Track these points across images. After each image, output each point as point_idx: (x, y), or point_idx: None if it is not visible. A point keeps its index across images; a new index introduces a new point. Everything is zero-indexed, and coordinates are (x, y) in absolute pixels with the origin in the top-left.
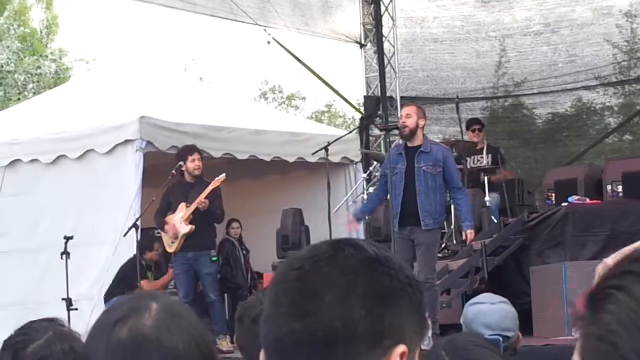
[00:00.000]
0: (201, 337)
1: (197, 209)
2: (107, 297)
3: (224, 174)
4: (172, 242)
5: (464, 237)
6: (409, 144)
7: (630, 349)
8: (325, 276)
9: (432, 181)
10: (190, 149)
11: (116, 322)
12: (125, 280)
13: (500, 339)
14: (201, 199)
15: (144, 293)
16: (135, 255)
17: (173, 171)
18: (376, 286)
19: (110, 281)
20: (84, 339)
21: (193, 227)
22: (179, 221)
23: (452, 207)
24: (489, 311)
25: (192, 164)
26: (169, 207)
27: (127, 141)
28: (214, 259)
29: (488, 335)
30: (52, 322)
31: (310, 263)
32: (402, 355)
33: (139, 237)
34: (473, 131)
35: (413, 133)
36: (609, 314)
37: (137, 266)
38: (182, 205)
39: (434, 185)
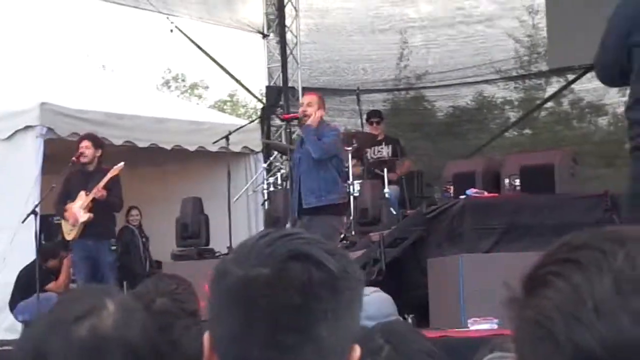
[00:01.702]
0: (151, 329)
1: (95, 197)
2: (12, 304)
3: (122, 163)
4: (71, 230)
5: None
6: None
7: (565, 337)
8: (301, 309)
9: (310, 158)
10: (81, 137)
11: (74, 320)
12: (31, 287)
13: None
14: (99, 188)
15: (95, 289)
16: (34, 261)
17: (73, 158)
18: (341, 302)
19: (8, 269)
20: None
21: (92, 215)
22: (78, 209)
23: (351, 197)
24: (366, 303)
25: (78, 152)
26: (68, 195)
27: (27, 127)
28: (113, 247)
29: (373, 325)
30: None
31: (283, 290)
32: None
33: (38, 224)
34: (371, 124)
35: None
36: (547, 299)
37: (37, 272)
38: (82, 193)
39: (315, 163)
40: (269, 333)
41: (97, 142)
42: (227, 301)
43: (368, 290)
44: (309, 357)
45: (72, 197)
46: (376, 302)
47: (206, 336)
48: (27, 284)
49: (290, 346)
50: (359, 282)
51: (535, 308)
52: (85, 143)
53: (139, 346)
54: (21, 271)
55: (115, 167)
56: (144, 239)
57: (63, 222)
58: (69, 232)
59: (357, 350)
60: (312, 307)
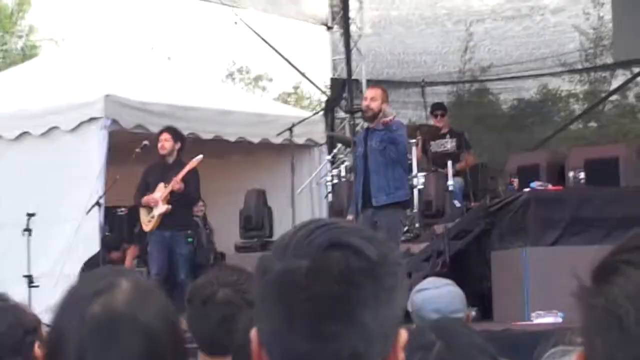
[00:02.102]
0: (171, 313)
1: (173, 190)
2: None
3: (200, 156)
4: (149, 221)
5: None
6: (370, 127)
7: (635, 323)
8: (340, 297)
9: (381, 156)
10: (162, 130)
11: (88, 298)
12: None
13: None
14: (177, 180)
15: (112, 269)
16: (98, 253)
17: (138, 149)
18: (381, 289)
19: (72, 260)
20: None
21: (169, 207)
22: (157, 200)
23: (415, 190)
24: (436, 295)
25: (159, 144)
26: (147, 187)
27: (92, 119)
28: (190, 240)
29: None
30: None
31: (322, 281)
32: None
33: (102, 216)
34: (435, 116)
35: (375, 116)
36: (617, 286)
37: (100, 265)
38: (161, 185)
39: (384, 161)
40: (311, 324)
41: (177, 134)
42: (270, 295)
43: (440, 282)
44: (353, 344)
45: (151, 189)
46: (447, 297)
47: (254, 331)
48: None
49: (334, 335)
50: (400, 268)
51: (606, 296)
52: (165, 136)
53: (153, 326)
54: (85, 263)
55: (194, 159)
56: (208, 231)
57: (142, 213)
58: (147, 223)
59: (403, 335)
60: (352, 295)
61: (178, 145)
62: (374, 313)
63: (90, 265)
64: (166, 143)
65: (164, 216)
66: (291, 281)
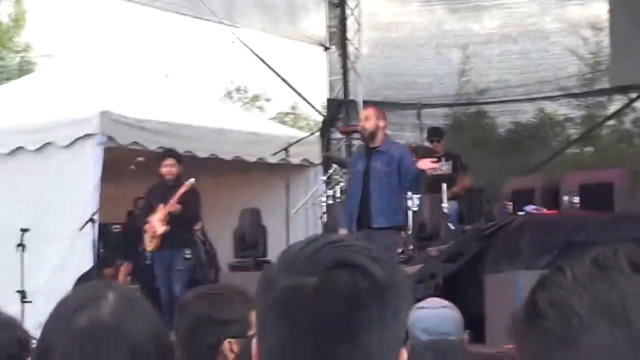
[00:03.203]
0: (157, 325)
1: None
2: None
3: (192, 179)
4: (151, 241)
5: None
6: (370, 145)
7: (558, 329)
8: (346, 318)
9: (385, 179)
10: (164, 154)
11: (75, 310)
12: None
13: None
14: (172, 202)
15: (99, 282)
16: (92, 269)
17: (132, 166)
18: (387, 310)
19: (66, 276)
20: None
21: (167, 227)
22: (157, 222)
23: (410, 212)
24: (429, 316)
25: (164, 169)
26: (150, 208)
27: (87, 135)
28: (187, 256)
29: (426, 339)
30: None
31: (328, 300)
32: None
33: (96, 233)
34: (431, 142)
35: (373, 135)
36: (542, 291)
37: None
38: (160, 206)
39: (388, 184)
40: (316, 343)
41: (180, 157)
42: (274, 310)
43: (438, 303)
44: None
45: (153, 210)
46: (437, 318)
47: (254, 346)
48: None
49: (338, 356)
50: (406, 289)
51: (532, 304)
52: (170, 161)
53: (139, 338)
54: (78, 279)
55: (186, 182)
56: (207, 247)
57: (145, 234)
58: (149, 243)
59: (404, 355)
60: (359, 316)
61: (180, 169)
62: (379, 335)
63: (83, 281)
64: (172, 169)
65: (164, 236)
66: (297, 298)
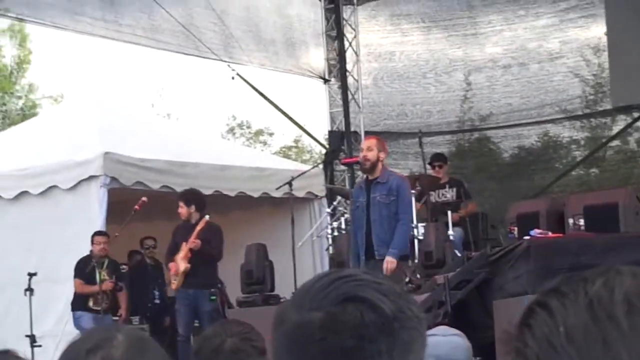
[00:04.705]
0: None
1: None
2: None
3: (207, 216)
4: (174, 280)
5: (384, 265)
6: (370, 177)
7: None
8: (353, 352)
9: (386, 210)
10: (178, 197)
11: (87, 353)
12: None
13: None
14: (192, 240)
15: (107, 325)
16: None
17: (136, 207)
18: (396, 343)
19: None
20: None
21: (188, 265)
22: (180, 260)
23: (415, 240)
24: (440, 343)
25: (178, 211)
26: (177, 248)
27: (91, 177)
28: (213, 297)
29: None
30: (5, 354)
31: (335, 334)
32: None
33: None
34: (434, 167)
35: (374, 166)
36: (527, 328)
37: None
38: (184, 244)
39: (388, 214)
40: None
41: (189, 198)
42: (284, 345)
43: (449, 331)
44: None
45: (179, 249)
46: (447, 346)
47: None
48: None
49: None
50: (419, 322)
51: (519, 339)
52: (180, 203)
53: None
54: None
55: (201, 220)
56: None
57: (170, 272)
58: (173, 282)
59: None
60: (366, 349)
61: (192, 209)
62: None
63: (80, 266)
64: (182, 210)
65: (187, 274)
66: (305, 333)
